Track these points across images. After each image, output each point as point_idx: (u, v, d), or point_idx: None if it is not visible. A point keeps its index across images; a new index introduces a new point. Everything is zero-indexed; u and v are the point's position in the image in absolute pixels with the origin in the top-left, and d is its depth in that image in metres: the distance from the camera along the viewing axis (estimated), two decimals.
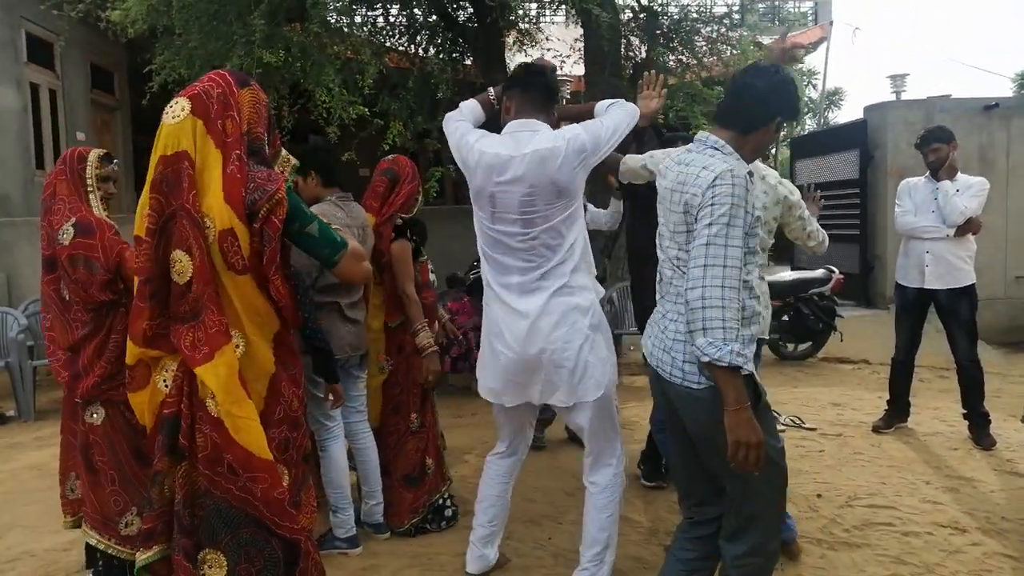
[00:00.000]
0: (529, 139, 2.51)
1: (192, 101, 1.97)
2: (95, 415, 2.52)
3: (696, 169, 2.03)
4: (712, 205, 1.93)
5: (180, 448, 1.97)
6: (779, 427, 4.90)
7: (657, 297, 2.27)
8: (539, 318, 2.53)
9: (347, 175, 3.62)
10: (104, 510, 2.55)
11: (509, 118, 2.64)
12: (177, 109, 1.97)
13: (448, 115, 2.79)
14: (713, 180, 1.95)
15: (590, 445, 2.71)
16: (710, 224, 1.93)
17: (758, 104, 2.10)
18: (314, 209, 3.05)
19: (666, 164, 2.23)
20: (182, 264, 1.93)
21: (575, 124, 2.59)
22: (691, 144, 2.19)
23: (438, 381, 3.41)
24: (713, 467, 2.14)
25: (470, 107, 2.80)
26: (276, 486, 1.96)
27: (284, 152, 2.19)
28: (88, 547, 2.68)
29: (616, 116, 2.62)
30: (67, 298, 2.57)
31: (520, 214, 2.50)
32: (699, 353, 1.90)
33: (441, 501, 3.51)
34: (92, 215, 2.57)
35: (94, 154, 2.68)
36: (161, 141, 1.96)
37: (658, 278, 2.27)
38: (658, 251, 2.25)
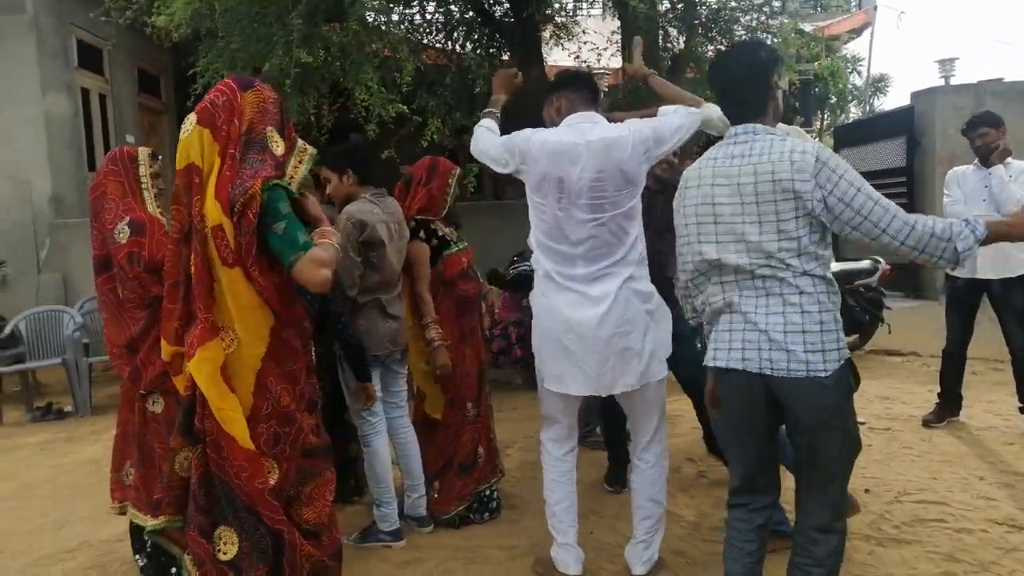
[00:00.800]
0: (591, 129, 2.62)
1: (199, 114, 2.15)
2: (156, 404, 2.61)
3: (786, 154, 2.04)
4: (838, 174, 2.00)
5: (197, 431, 2.12)
6: None
7: (734, 301, 2.14)
8: (612, 305, 2.60)
9: (388, 172, 3.67)
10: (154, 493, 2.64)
11: (561, 117, 2.73)
12: (187, 124, 2.16)
13: (478, 132, 2.89)
14: (817, 157, 2.01)
15: (645, 426, 2.84)
16: (858, 187, 1.99)
17: (764, 82, 2.18)
18: (350, 207, 3.10)
19: (710, 165, 2.17)
20: (194, 267, 2.12)
21: (635, 119, 2.71)
22: (736, 137, 2.16)
23: (448, 375, 3.38)
24: (827, 450, 2.15)
25: (491, 124, 2.92)
26: (257, 476, 2.09)
27: (300, 143, 2.28)
28: (133, 533, 2.77)
29: (681, 116, 2.70)
30: (121, 296, 2.65)
31: (590, 199, 2.58)
32: (971, 250, 1.96)
33: (488, 492, 3.53)
34: (146, 213, 2.67)
35: (144, 153, 2.77)
36: (178, 155, 2.16)
37: (734, 280, 2.14)
38: (731, 256, 2.12)
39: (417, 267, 3.34)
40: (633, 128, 2.61)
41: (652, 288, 2.71)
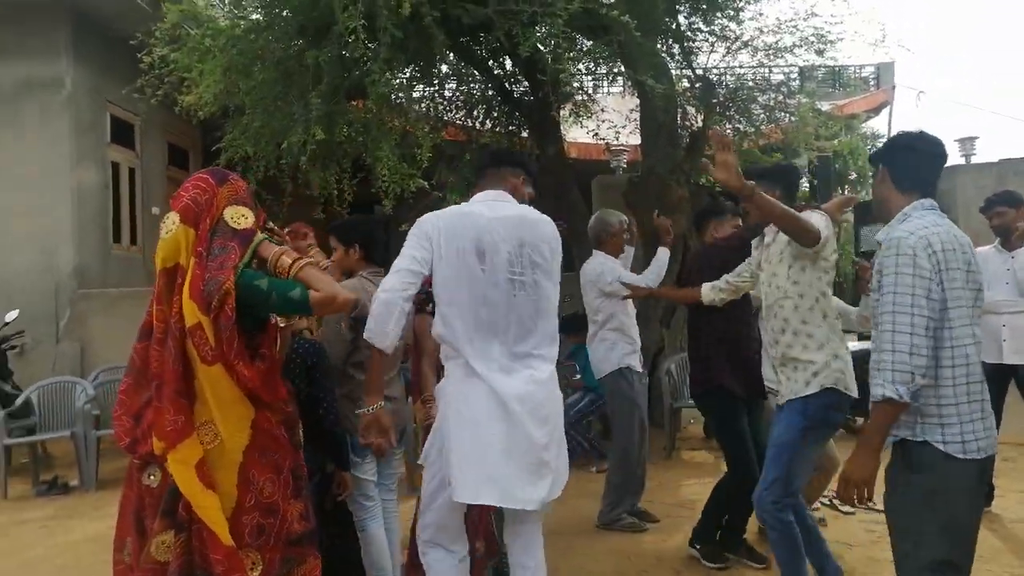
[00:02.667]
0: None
1: (182, 213, 2.15)
2: (152, 476, 2.53)
3: None
4: None
5: (181, 519, 2.08)
6: (849, 509, 4.63)
7: (981, 385, 2.16)
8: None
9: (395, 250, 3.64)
10: None
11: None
12: (169, 223, 2.16)
13: None
14: None
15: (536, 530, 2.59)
16: None
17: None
18: (346, 284, 3.04)
19: (948, 231, 2.18)
20: (168, 369, 2.11)
21: None
22: (936, 209, 2.24)
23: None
24: None
25: None
26: (234, 571, 2.05)
27: (259, 235, 2.25)
28: None
29: None
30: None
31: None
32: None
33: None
34: None
35: None
36: (159, 255, 2.15)
37: (973, 364, 2.16)
38: (970, 336, 2.16)
39: (422, 340, 3.28)
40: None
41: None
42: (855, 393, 3.01)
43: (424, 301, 3.34)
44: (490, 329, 2.41)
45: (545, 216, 2.61)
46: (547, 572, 2.63)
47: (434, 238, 2.43)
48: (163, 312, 2.14)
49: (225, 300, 2.04)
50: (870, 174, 19.61)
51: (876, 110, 12.77)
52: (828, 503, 4.67)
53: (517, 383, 2.38)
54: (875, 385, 2.09)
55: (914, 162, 2.29)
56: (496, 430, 2.34)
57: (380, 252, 3.25)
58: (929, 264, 2.09)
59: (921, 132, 2.36)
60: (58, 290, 7.93)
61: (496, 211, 2.51)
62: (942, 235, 2.14)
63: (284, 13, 5.37)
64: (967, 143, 9.19)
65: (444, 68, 6.97)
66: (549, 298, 2.53)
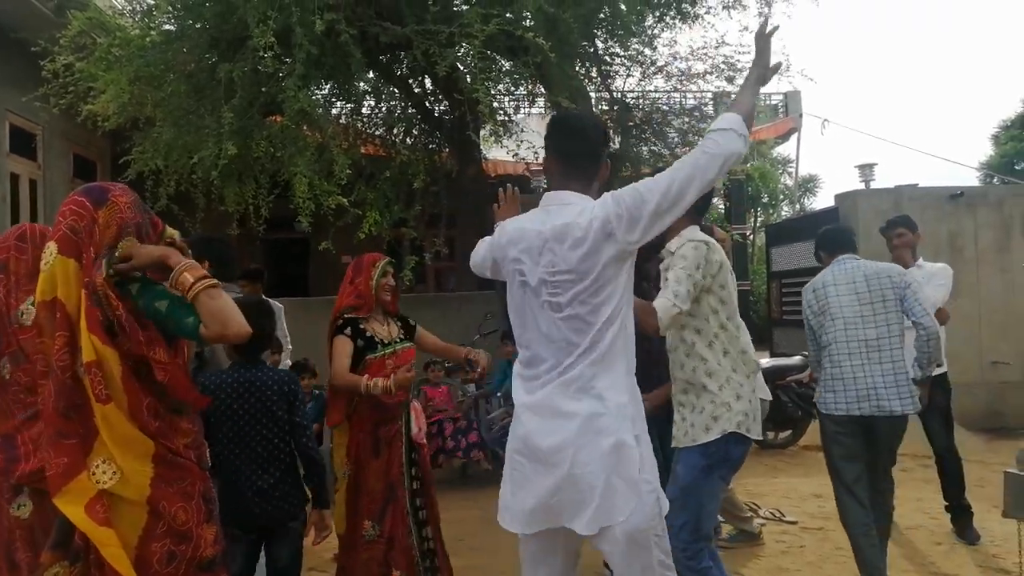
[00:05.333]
0: (558, 212, 2.17)
1: (60, 243, 2.01)
2: (22, 507, 2.38)
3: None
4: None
5: (77, 547, 1.99)
6: (759, 520, 4.78)
7: (874, 361, 3.57)
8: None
9: (328, 263, 3.60)
10: None
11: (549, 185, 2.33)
12: (47, 255, 2.02)
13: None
14: None
15: None
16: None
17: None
18: None
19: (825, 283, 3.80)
20: (45, 408, 2.01)
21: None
22: (845, 260, 3.81)
23: (408, 381, 3.20)
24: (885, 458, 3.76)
25: None
26: None
27: (168, 230, 2.20)
28: None
29: (678, 168, 2.04)
30: (7, 378, 2.46)
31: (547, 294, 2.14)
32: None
33: None
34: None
35: None
36: (38, 287, 2.03)
37: (874, 346, 3.57)
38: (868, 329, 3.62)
39: (333, 360, 3.26)
40: (600, 203, 2.09)
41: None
42: (758, 435, 2.79)
43: (343, 325, 3.30)
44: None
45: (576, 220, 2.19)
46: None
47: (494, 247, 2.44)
48: (46, 345, 2.03)
49: (106, 295, 1.93)
50: (781, 197, 20.39)
51: (785, 136, 13.36)
52: (773, 516, 4.80)
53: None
54: None
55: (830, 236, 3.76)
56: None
57: (231, 271, 3.25)
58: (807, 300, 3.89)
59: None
60: None
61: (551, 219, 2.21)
62: (823, 280, 3.76)
63: (196, 25, 5.25)
64: (866, 169, 9.72)
65: (363, 85, 6.93)
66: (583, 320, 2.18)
